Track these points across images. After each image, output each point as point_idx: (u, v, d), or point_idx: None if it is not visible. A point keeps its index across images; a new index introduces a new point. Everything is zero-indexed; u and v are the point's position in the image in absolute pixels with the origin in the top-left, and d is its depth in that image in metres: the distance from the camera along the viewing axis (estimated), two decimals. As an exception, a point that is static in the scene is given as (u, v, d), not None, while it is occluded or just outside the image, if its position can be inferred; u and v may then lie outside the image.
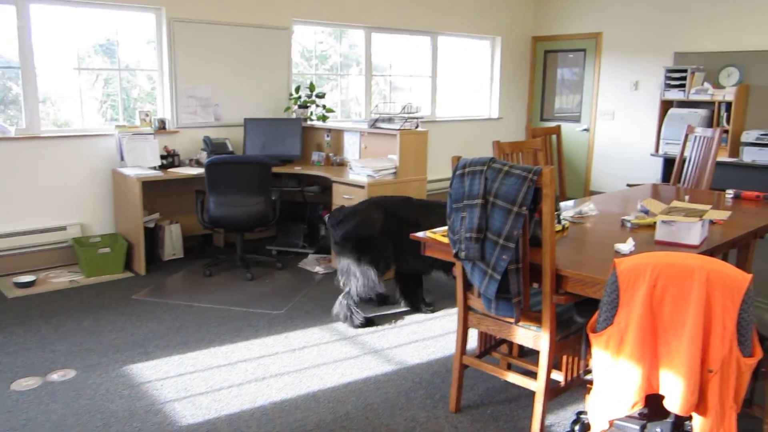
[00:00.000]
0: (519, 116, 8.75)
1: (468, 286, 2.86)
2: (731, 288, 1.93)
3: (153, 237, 5.32)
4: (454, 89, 8.11)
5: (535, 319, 2.64)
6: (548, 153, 4.61)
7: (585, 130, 8.25)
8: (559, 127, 4.99)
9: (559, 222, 3.03)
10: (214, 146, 5.57)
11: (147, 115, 5.47)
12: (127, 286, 4.78)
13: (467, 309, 2.92)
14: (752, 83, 6.69)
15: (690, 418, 2.06)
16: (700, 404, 2.03)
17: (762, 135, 6.24)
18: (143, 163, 5.23)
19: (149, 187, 5.15)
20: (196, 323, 4.07)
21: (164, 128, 5.55)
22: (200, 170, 5.15)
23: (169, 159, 5.45)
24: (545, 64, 8.60)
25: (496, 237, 2.46)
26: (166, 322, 4.09)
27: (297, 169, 5.57)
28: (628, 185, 5.22)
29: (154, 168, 5.25)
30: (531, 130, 4.66)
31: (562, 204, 3.80)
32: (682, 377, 1.99)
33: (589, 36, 8.05)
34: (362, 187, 4.87)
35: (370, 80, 7.09)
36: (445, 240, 2.80)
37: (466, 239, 2.52)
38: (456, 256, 2.61)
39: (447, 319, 4.21)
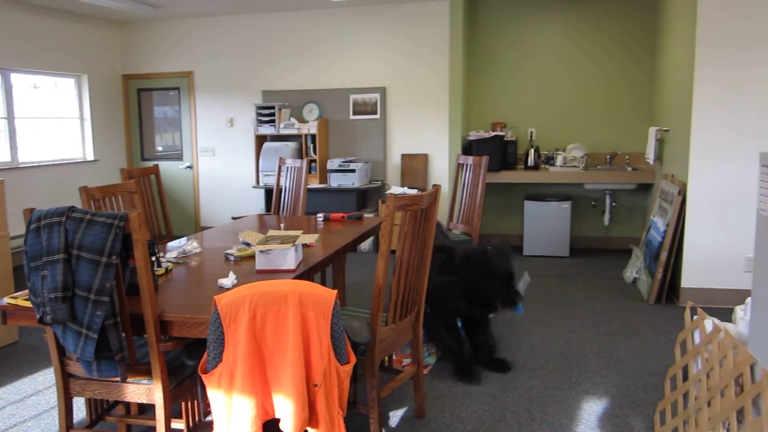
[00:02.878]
0: (118, 157, 8.32)
1: (65, 351, 2.55)
2: (321, 305, 2.09)
3: None
4: (40, 131, 7.28)
5: (145, 371, 2.48)
6: (147, 194, 4.45)
7: (188, 167, 8.26)
8: (156, 166, 4.86)
9: (159, 265, 2.92)
10: None
11: None
12: None
13: (67, 376, 2.59)
14: (329, 117, 7.58)
15: (305, 433, 2.16)
16: (311, 418, 2.15)
17: (343, 162, 7.10)
18: None
19: None
20: None
21: None
22: None
23: None
24: (140, 103, 8.36)
25: (86, 292, 2.23)
26: None
27: None
28: (233, 218, 5.38)
29: None
30: (126, 172, 4.43)
31: (169, 244, 3.69)
32: (291, 397, 2.08)
33: (180, 75, 8.10)
34: None
35: None
36: (29, 304, 2.44)
37: (51, 300, 2.23)
38: (41, 321, 2.29)
39: (54, 391, 3.70)
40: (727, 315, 4.41)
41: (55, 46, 7.26)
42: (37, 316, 2.30)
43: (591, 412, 3.23)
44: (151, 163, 8.31)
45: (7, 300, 2.57)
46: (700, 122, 4.77)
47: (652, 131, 5.89)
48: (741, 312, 3.01)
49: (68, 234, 2.26)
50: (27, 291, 2.41)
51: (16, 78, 6.91)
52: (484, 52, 7.20)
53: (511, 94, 7.20)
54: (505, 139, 6.82)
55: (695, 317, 2.75)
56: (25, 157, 7.04)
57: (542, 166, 6.94)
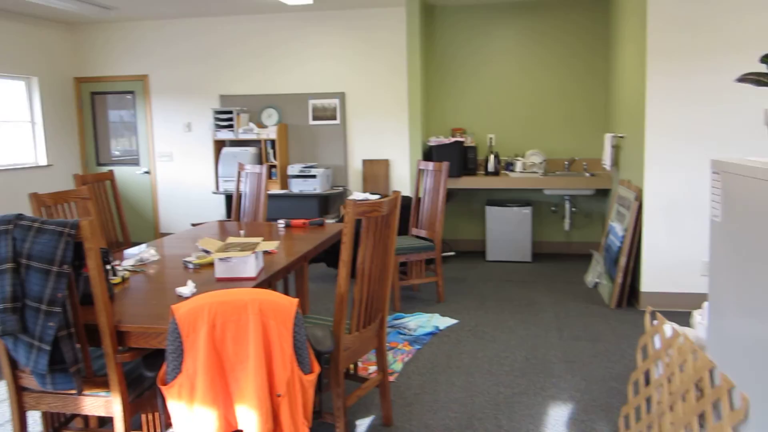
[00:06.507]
0: (73, 162, 8.08)
1: (16, 364, 2.44)
2: (282, 314, 2.04)
3: None
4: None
5: (102, 383, 2.39)
6: (102, 201, 4.31)
7: (146, 172, 8.08)
8: (111, 172, 4.72)
9: (115, 274, 2.83)
10: None
11: None
12: None
13: (20, 390, 2.48)
14: (289, 122, 7.51)
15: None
16: (276, 429, 2.09)
17: (304, 168, 7.03)
18: None
19: None
20: None
21: None
22: None
23: None
24: (94, 106, 8.14)
25: (37, 303, 2.14)
26: None
27: None
28: (193, 224, 5.28)
29: None
30: (80, 178, 4.29)
31: (127, 251, 3.59)
32: (254, 408, 2.02)
33: (135, 78, 7.92)
34: None
35: None
36: (-24, 316, 2.33)
37: (0, 312, 2.13)
38: (-10, 333, 2.19)
39: (8, 405, 3.54)
40: (686, 318, 4.49)
41: (3, 48, 7.01)
42: (-15, 329, 2.19)
43: (557, 417, 3.24)
44: (106, 168, 8.10)
45: (-49, 312, 2.44)
46: (654, 129, 4.86)
47: (608, 138, 5.99)
48: (699, 317, 3.05)
49: (16, 243, 2.16)
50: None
51: (-38, 80, 6.65)
52: (443, 58, 7.24)
53: (470, 100, 7.25)
54: (465, 144, 6.85)
55: (655, 322, 2.79)
56: (-28, 162, 6.79)
57: (502, 171, 7.00)
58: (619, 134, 5.94)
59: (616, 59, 6.30)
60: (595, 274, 5.80)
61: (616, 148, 6.06)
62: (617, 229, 5.39)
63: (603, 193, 6.92)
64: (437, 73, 7.28)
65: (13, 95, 7.38)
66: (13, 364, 2.44)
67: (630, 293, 5.21)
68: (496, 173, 6.87)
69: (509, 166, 7.02)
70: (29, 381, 2.43)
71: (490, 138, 7.22)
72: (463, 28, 7.15)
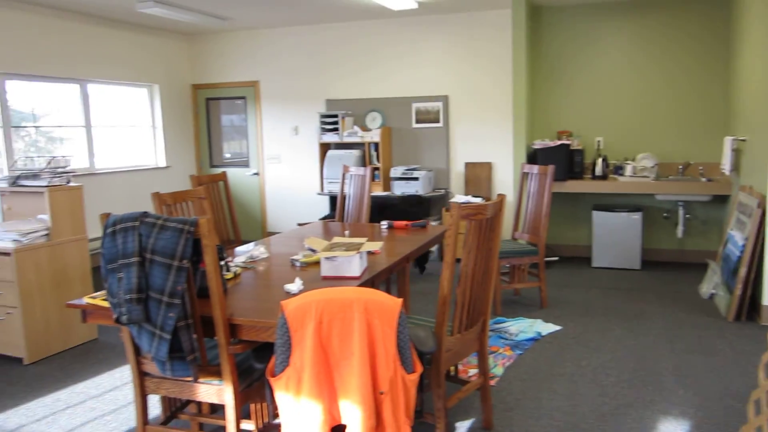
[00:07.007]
0: (188, 164, 8.57)
1: (140, 350, 2.62)
2: (386, 314, 2.07)
3: None
4: (115, 138, 7.59)
5: (215, 372, 2.52)
6: (215, 200, 4.55)
7: (255, 174, 8.43)
8: (224, 173, 4.97)
9: (228, 270, 2.97)
10: None
11: None
12: None
13: (143, 374, 2.67)
14: (392, 126, 7.59)
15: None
16: (378, 426, 2.13)
17: (406, 170, 7.09)
18: None
19: None
20: None
21: None
22: None
23: None
24: (208, 111, 8.60)
25: (159, 295, 2.29)
26: None
27: None
28: (299, 224, 5.46)
29: None
30: (196, 179, 4.55)
31: (238, 249, 3.76)
32: (358, 404, 2.07)
33: (247, 84, 8.29)
34: (8, 254, 4.20)
35: (8, 132, 6.23)
36: (106, 304, 2.53)
37: (127, 301, 2.30)
38: (118, 321, 2.36)
39: (131, 387, 3.81)
40: (812, 334, 4.16)
41: (129, 58, 7.55)
42: (114, 316, 2.37)
43: None
44: (219, 170, 8.52)
45: (86, 300, 2.66)
46: (783, 130, 4.53)
47: (728, 141, 5.63)
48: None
49: (142, 238, 2.32)
50: (105, 291, 2.49)
51: (92, 88, 7.21)
52: (548, 59, 7.07)
53: (577, 102, 7.04)
54: (571, 147, 6.66)
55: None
56: (102, 163, 7.34)
57: (610, 175, 6.75)
58: (740, 137, 5.57)
59: (738, 58, 5.92)
60: (710, 284, 5.47)
61: (737, 152, 5.69)
62: (737, 237, 5.06)
63: (721, 200, 6.51)
64: (543, 75, 7.13)
65: (137, 102, 7.93)
66: (137, 351, 2.62)
67: (750, 306, 4.88)
68: (604, 177, 6.63)
69: (618, 169, 6.76)
70: (151, 367, 2.61)
71: (598, 141, 6.98)
72: (571, 28, 6.96)
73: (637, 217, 6.43)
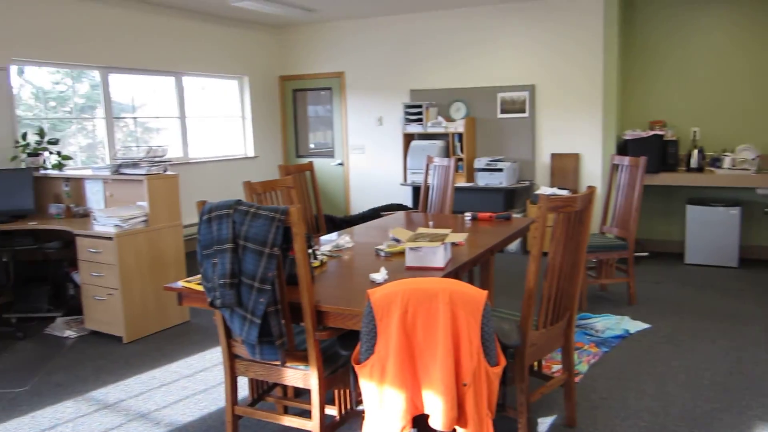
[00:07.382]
0: (275, 154, 8.81)
1: (231, 333, 2.73)
2: (471, 305, 2.07)
3: None
4: (207, 129, 7.90)
5: (302, 358, 2.60)
6: (302, 190, 4.66)
7: (340, 164, 8.56)
8: (311, 163, 5.07)
9: (315, 258, 3.04)
10: None
11: None
12: None
13: (233, 357, 2.79)
14: (477, 116, 7.51)
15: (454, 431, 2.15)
16: (460, 417, 2.13)
17: (490, 161, 7.01)
18: None
19: None
20: None
21: None
22: None
23: None
24: (295, 102, 8.79)
25: (251, 280, 2.38)
26: None
27: (32, 225, 4.93)
28: (382, 214, 5.51)
29: None
30: (284, 168, 4.67)
31: (323, 238, 3.84)
32: (441, 395, 2.08)
33: (332, 75, 8.41)
34: (110, 238, 4.46)
35: (111, 123, 6.60)
36: (201, 288, 2.65)
37: (220, 286, 2.40)
38: (212, 304, 2.47)
39: (221, 369, 3.99)
40: None
41: (220, 50, 7.82)
42: (208, 300, 2.48)
43: (763, 438, 2.94)
44: (305, 160, 8.71)
45: (182, 283, 2.80)
46: None
47: (843, 130, 5.24)
48: None
49: (236, 225, 2.42)
50: (200, 276, 2.62)
51: (186, 80, 7.52)
52: (642, 47, 6.79)
53: (671, 91, 6.73)
54: (665, 138, 6.39)
55: None
56: (195, 153, 7.66)
57: (707, 168, 6.42)
58: None
59: None
60: (817, 285, 5.13)
61: None
62: None
63: (831, 194, 6.08)
64: (635, 63, 6.85)
65: (228, 93, 8.21)
66: (228, 334, 2.73)
67: None
68: (699, 169, 6.32)
69: (715, 161, 6.42)
70: (241, 350, 2.71)
71: (694, 132, 6.66)
72: (665, 13, 6.65)
73: (735, 212, 6.10)
